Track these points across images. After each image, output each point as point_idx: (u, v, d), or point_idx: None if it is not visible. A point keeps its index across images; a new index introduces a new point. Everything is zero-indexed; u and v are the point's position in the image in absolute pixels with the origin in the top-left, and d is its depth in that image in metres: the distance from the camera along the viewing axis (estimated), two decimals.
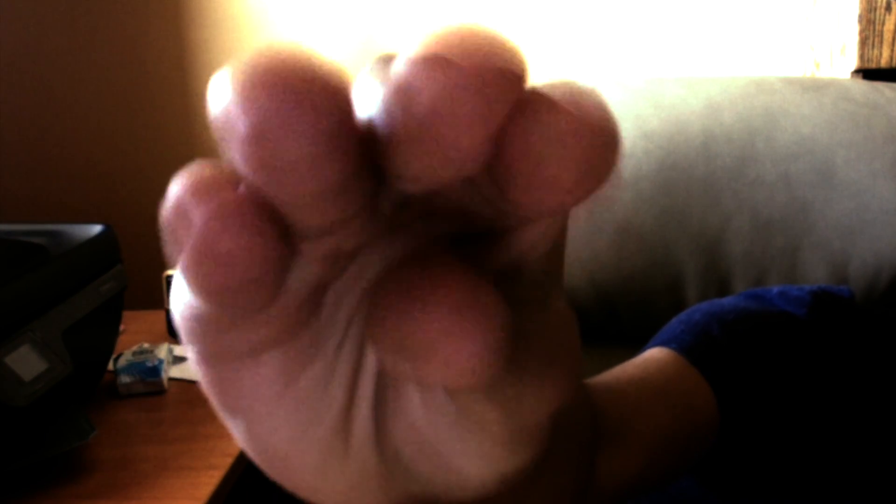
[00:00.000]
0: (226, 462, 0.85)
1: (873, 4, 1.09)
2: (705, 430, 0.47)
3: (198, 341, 0.19)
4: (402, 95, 0.14)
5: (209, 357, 0.19)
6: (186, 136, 1.49)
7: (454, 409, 0.20)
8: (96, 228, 0.96)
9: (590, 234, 0.81)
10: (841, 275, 0.82)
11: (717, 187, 0.81)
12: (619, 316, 0.84)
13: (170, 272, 1.05)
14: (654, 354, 0.49)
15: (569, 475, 0.33)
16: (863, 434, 0.52)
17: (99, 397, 0.97)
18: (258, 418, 0.21)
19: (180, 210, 0.15)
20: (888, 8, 1.09)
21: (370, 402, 0.21)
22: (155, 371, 0.97)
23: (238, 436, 0.22)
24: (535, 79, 0.15)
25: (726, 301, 0.56)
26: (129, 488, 0.80)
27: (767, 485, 0.50)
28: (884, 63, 1.10)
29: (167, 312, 1.12)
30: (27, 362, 0.79)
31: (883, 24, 1.10)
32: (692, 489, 0.50)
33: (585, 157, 0.14)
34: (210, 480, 0.82)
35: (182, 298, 0.18)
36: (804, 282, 0.82)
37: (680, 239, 0.82)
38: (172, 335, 1.09)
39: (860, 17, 1.10)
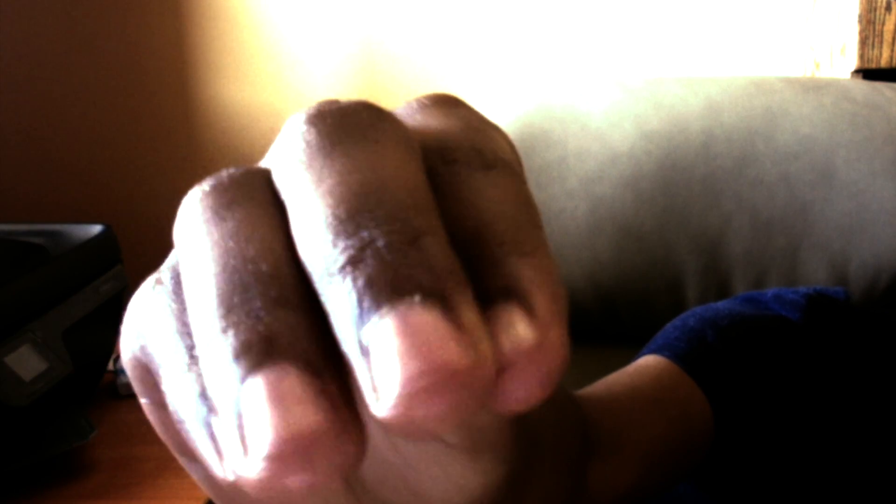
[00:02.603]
0: None
1: (873, 4, 1.09)
2: (701, 437, 0.47)
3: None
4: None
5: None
6: (186, 136, 1.49)
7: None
8: (96, 228, 0.96)
9: (590, 234, 0.81)
10: (841, 275, 0.82)
11: (717, 187, 0.81)
12: (619, 316, 0.84)
13: None
14: (647, 362, 0.49)
15: (557, 489, 0.33)
16: (859, 437, 0.52)
17: (99, 397, 0.97)
18: None
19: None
20: (888, 8, 1.09)
21: None
22: None
23: (196, 477, 0.22)
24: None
25: (721, 305, 0.56)
26: (129, 488, 0.80)
27: (764, 488, 0.50)
28: (884, 63, 1.10)
29: None
30: (27, 362, 0.79)
31: (883, 24, 1.10)
32: (689, 493, 0.50)
33: (548, 384, 0.16)
34: None
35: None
36: (804, 282, 0.82)
37: (680, 239, 0.82)
38: None
39: (860, 17, 1.10)
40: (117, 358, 1.00)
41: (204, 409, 0.16)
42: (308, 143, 0.17)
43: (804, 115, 0.83)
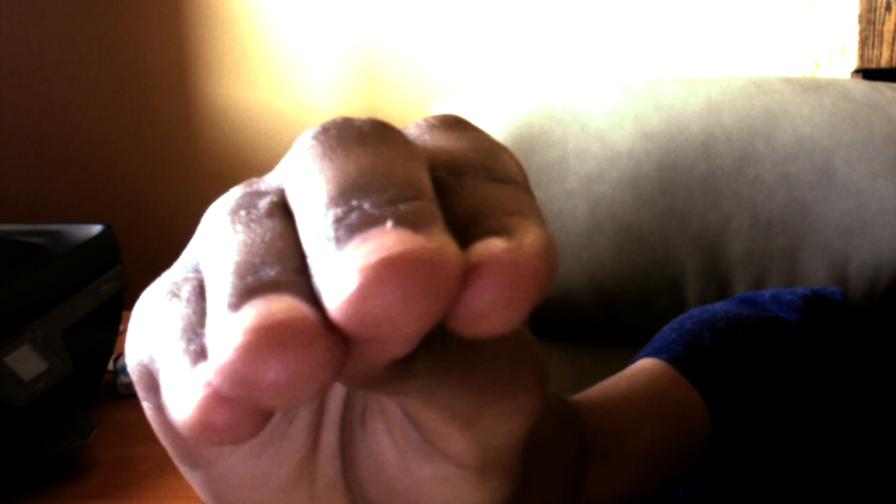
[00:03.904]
0: None
1: (873, 4, 1.09)
2: (698, 440, 0.47)
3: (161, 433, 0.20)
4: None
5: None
6: (186, 136, 1.49)
7: (420, 438, 0.20)
8: (96, 228, 0.96)
9: (590, 234, 0.81)
10: (841, 275, 0.82)
11: (717, 187, 0.81)
12: (619, 316, 0.84)
13: None
14: (644, 366, 0.49)
15: (556, 495, 0.33)
16: (856, 437, 0.52)
17: (99, 397, 0.97)
18: (217, 469, 0.21)
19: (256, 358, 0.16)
20: (888, 8, 1.09)
21: (334, 447, 0.22)
22: None
23: (196, 485, 0.22)
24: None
25: (718, 307, 0.56)
26: (129, 488, 0.80)
27: (762, 490, 0.50)
28: (884, 63, 1.10)
29: None
30: (27, 362, 0.79)
31: (883, 24, 1.10)
32: (687, 494, 0.50)
33: (520, 297, 0.16)
34: None
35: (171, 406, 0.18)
36: (804, 282, 0.82)
37: (680, 239, 0.82)
38: None
39: (860, 17, 1.10)
40: (117, 358, 1.00)
41: (195, 344, 0.17)
42: (312, 151, 0.18)
43: (804, 115, 0.83)
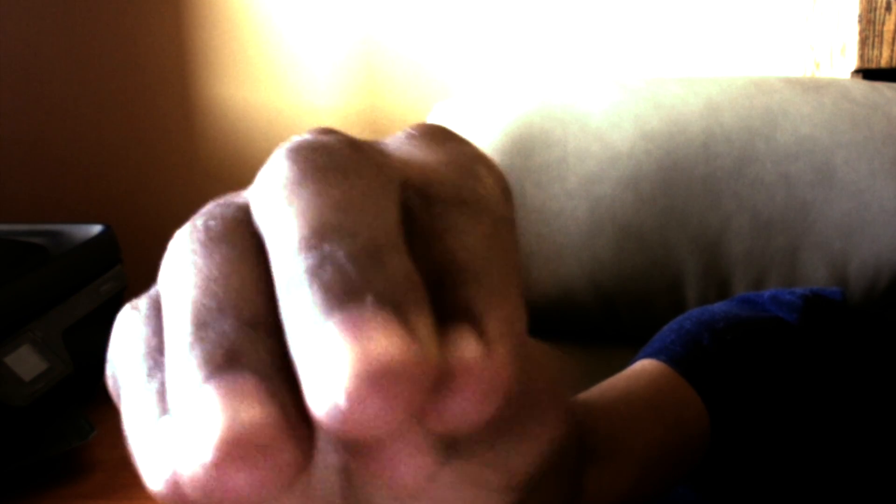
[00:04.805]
0: None
1: (873, 4, 1.09)
2: (697, 441, 0.47)
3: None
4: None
5: None
6: (186, 137, 1.49)
7: (449, 473, 0.21)
8: (96, 228, 0.96)
9: (590, 234, 0.81)
10: (841, 275, 0.82)
11: (717, 187, 0.81)
12: (619, 316, 0.84)
13: None
14: (643, 367, 0.49)
15: (554, 495, 0.33)
16: (855, 438, 0.52)
17: (99, 397, 0.97)
18: None
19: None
20: (888, 8, 1.09)
21: (335, 463, 0.22)
22: None
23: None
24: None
25: (717, 307, 0.56)
26: (129, 488, 0.80)
27: (761, 490, 0.50)
28: (884, 63, 1.10)
29: None
30: (27, 362, 0.79)
31: (883, 24, 1.10)
32: (686, 495, 0.50)
33: (492, 402, 0.16)
34: None
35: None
36: (804, 282, 0.82)
37: (680, 239, 0.82)
38: None
39: (860, 17, 1.10)
40: None
41: (157, 412, 0.17)
42: (283, 175, 0.18)
43: (804, 115, 0.83)
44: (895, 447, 0.52)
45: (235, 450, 0.15)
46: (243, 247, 0.18)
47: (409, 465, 0.17)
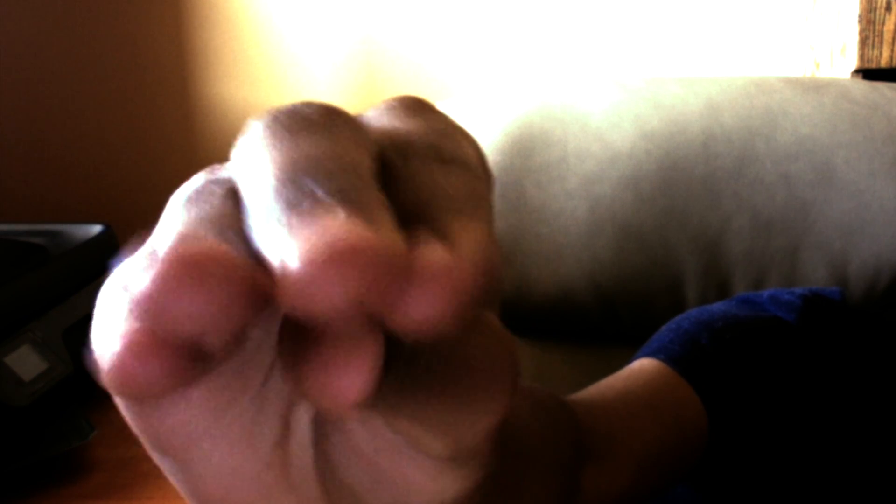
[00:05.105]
0: None
1: (873, 4, 1.09)
2: (695, 441, 0.47)
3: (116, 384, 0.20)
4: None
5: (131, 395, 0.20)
6: (186, 137, 1.49)
7: (392, 435, 0.20)
8: (96, 228, 0.96)
9: (590, 234, 0.81)
10: (841, 275, 0.82)
11: (717, 187, 0.81)
12: (619, 316, 0.84)
13: None
14: (642, 366, 0.49)
15: (548, 494, 0.33)
16: (854, 437, 0.52)
17: (99, 397, 0.97)
18: (189, 456, 0.21)
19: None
20: (888, 8, 1.09)
21: (308, 434, 0.22)
22: None
23: (173, 478, 0.22)
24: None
25: (716, 307, 0.56)
26: (129, 488, 0.80)
27: (760, 490, 0.50)
28: (884, 63, 1.10)
29: None
30: (27, 362, 0.79)
31: (883, 24, 1.10)
32: (685, 494, 0.50)
33: (456, 305, 0.17)
34: None
35: (107, 350, 0.18)
36: (804, 282, 0.82)
37: (680, 239, 0.82)
38: None
39: (860, 17, 1.10)
40: None
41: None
42: (261, 137, 0.18)
43: (804, 115, 0.83)
44: (894, 447, 0.52)
45: (190, 262, 0.16)
46: (234, 206, 0.18)
47: (353, 379, 0.17)
